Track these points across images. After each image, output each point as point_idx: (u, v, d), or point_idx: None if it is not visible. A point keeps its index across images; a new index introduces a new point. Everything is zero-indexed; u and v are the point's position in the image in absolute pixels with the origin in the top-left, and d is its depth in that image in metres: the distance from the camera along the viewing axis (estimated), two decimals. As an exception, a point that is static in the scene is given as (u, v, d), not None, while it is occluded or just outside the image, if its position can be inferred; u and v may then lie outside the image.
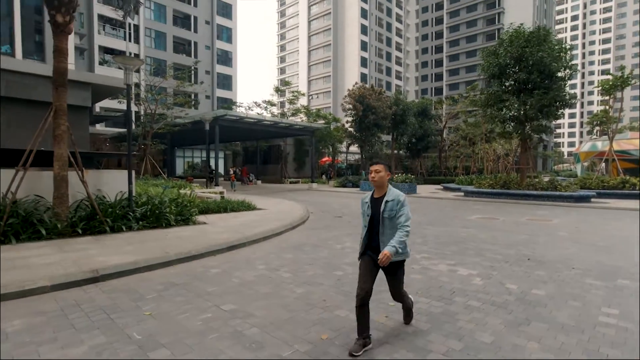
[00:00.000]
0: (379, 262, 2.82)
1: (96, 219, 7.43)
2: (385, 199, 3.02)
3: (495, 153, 34.96)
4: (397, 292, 3.24)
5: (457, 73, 75.27)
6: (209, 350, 2.99)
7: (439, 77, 78.93)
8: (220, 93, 46.72)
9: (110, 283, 4.82)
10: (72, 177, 7.45)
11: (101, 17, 35.07)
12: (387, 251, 2.81)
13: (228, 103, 43.50)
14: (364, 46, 67.51)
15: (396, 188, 3.12)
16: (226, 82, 47.87)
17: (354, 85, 31.57)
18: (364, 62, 67.64)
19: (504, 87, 18.09)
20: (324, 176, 38.25)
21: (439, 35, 78.56)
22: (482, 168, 37.98)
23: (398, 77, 77.49)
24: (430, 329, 3.36)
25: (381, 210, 3.00)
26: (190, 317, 3.68)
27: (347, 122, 33.16)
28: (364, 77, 65.44)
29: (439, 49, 78.81)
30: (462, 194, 20.34)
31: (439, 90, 76.48)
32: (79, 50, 33.31)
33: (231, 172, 28.48)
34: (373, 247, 3.10)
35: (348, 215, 12.13)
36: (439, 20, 78.49)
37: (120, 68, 34.27)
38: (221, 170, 40.91)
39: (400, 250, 2.90)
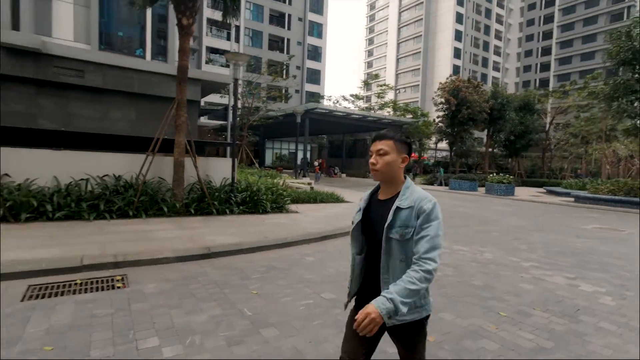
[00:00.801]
0: (355, 325, 1.41)
1: (205, 202, 8.26)
2: (396, 203, 1.63)
3: (615, 154, 29.92)
4: None
5: (569, 62, 65.93)
6: (315, 336, 3.07)
7: (545, 67, 70.11)
8: (309, 87, 48.20)
9: (220, 260, 5.30)
10: (186, 162, 8.37)
11: (208, 20, 38.73)
12: (372, 309, 1.41)
13: (316, 97, 44.71)
14: (458, 36, 63.17)
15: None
16: (315, 76, 49.17)
17: (447, 78, 29.83)
18: (457, 53, 63.36)
19: (638, 76, 15.27)
20: (411, 173, 37.07)
21: (549, 19, 69.54)
22: (596, 171, 32.94)
23: (496, 69, 70.94)
24: (554, 348, 2.98)
25: (386, 223, 1.62)
26: (292, 301, 3.84)
27: (437, 117, 31.55)
28: (456, 70, 61.38)
29: (547, 35, 69.86)
30: (572, 199, 17.89)
31: (544, 82, 67.95)
32: (192, 50, 37.35)
33: (316, 164, 29.37)
34: (369, 289, 1.73)
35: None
36: (550, 2, 69.41)
37: (223, 66, 37.40)
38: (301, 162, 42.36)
39: (402, 309, 1.44)
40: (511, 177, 22.51)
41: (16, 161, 7.10)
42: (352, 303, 1.88)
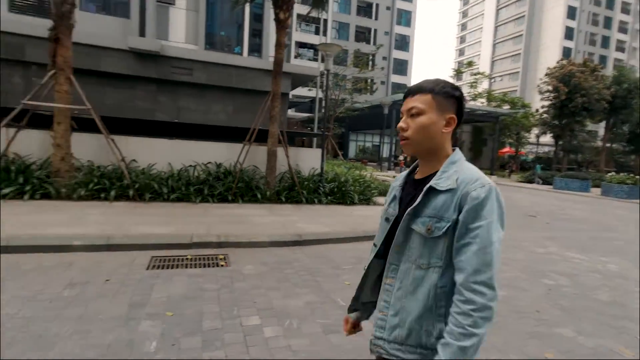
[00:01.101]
0: None
1: (295, 190, 8.57)
2: (431, 182, 1.08)
3: None
4: None
5: None
6: (412, 334, 2.93)
7: (691, 43, 57.25)
8: (395, 78, 46.86)
9: (310, 248, 5.43)
10: (278, 152, 8.76)
11: (298, 16, 40.00)
12: None
13: (402, 88, 43.28)
14: (571, 13, 55.01)
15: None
16: (401, 67, 47.59)
17: (557, 62, 26.28)
18: (569, 34, 55.29)
19: None
20: (507, 170, 33.73)
21: (699, -16, 56.40)
22: None
23: (619, 49, 60.17)
24: None
25: (411, 207, 1.10)
26: (385, 295, 3.74)
27: (542, 106, 28.06)
28: (567, 53, 53.68)
29: (695, 5, 56.84)
30: None
31: (688, 63, 55.58)
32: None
33: (401, 158, 28.51)
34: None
35: (544, 215, 10.28)
36: (702, -36, 56.20)
37: (310, 60, 38.34)
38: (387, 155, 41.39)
39: None
40: (637, 177, 19.01)
41: (140, 149, 8.22)
42: (360, 315, 1.37)
